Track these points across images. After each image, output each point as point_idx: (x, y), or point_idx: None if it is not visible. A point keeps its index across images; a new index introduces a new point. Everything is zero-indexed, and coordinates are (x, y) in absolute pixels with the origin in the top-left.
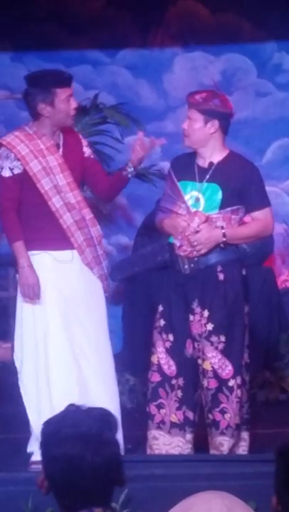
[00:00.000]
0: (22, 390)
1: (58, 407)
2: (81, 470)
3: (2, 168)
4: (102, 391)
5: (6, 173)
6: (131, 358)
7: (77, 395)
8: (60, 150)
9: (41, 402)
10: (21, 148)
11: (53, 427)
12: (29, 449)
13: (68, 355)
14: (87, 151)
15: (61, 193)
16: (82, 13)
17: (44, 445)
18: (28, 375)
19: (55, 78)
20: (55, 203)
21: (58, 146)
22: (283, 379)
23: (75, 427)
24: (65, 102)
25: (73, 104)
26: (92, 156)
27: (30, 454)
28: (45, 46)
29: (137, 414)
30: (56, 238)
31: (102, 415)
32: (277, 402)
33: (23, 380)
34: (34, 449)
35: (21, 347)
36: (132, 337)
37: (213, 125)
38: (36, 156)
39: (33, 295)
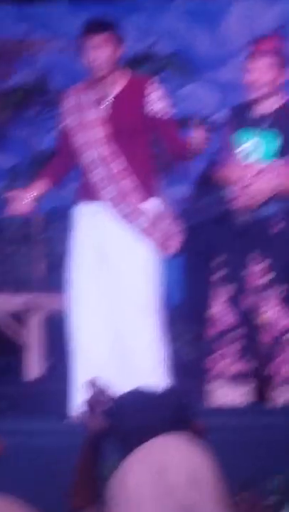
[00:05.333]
0: None
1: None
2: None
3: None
4: (141, 344)
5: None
6: (190, 310)
7: (106, 352)
8: (108, 100)
9: None
10: (68, 101)
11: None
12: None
13: (93, 306)
14: (156, 107)
15: (94, 146)
16: None
17: None
18: None
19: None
20: (89, 156)
21: (105, 97)
22: None
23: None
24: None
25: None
26: (161, 114)
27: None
28: None
29: (196, 367)
30: (89, 191)
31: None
32: None
33: None
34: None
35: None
36: (191, 289)
37: (284, 73)
38: (80, 109)
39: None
